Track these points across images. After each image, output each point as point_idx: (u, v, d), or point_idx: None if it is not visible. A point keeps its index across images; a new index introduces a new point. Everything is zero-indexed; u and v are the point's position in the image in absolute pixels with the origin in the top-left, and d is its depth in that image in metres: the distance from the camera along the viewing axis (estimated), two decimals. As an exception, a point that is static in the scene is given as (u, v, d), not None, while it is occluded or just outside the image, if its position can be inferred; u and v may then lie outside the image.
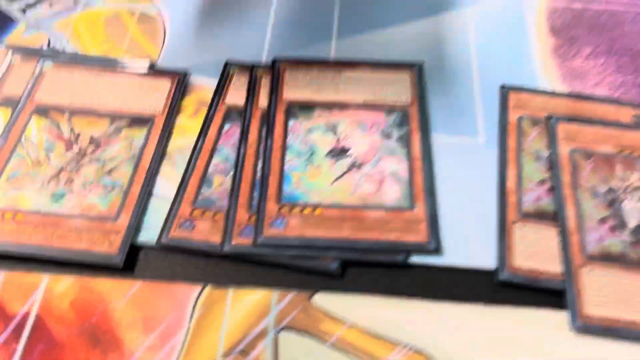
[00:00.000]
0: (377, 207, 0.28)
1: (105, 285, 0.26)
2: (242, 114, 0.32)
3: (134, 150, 0.31)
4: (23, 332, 0.25)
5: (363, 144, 0.31)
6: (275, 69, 0.34)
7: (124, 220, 0.28)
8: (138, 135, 0.31)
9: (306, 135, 0.31)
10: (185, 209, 0.28)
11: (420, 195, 0.29)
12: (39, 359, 0.24)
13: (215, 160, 0.30)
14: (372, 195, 0.29)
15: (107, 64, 0.34)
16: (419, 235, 0.28)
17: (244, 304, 0.26)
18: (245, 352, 0.25)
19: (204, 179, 0.29)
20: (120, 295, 0.26)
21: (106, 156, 0.30)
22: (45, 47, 0.35)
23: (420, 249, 0.27)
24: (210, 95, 0.33)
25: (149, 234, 0.28)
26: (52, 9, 0.37)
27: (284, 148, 0.31)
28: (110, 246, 0.27)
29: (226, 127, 0.32)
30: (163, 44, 0.36)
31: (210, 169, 0.30)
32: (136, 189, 0.29)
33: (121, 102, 0.32)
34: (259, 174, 0.30)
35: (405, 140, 0.31)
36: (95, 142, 0.31)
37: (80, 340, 0.25)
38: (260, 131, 0.31)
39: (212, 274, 0.27)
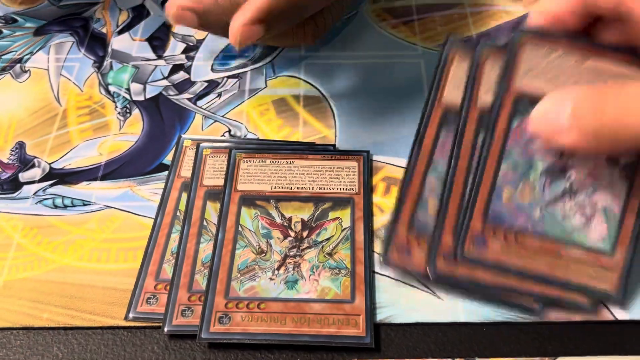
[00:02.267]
0: (576, 243, 0.29)
1: (362, 366, 0.28)
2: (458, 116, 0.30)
3: (345, 231, 0.33)
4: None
5: (582, 169, 0.29)
6: (512, 45, 0.29)
7: (360, 302, 0.30)
8: (344, 215, 0.33)
9: (529, 143, 0.30)
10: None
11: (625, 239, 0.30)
12: None
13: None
14: (577, 229, 0.30)
15: (295, 148, 0.36)
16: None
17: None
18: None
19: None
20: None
21: (322, 238, 0.32)
22: (227, 136, 0.38)
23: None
24: (396, 173, 0.35)
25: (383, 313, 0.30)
26: (220, 100, 0.40)
27: (500, 157, 0.29)
28: (356, 327, 0.29)
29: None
30: (335, 124, 0.38)
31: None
32: (360, 270, 0.31)
33: (318, 185, 0.35)
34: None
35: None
36: (308, 227, 0.33)
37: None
38: (475, 137, 0.30)
39: (456, 345, 0.29)
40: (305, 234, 0.33)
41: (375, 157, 0.36)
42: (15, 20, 0.45)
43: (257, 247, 0.32)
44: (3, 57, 0.43)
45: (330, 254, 0.32)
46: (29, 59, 0.43)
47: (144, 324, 0.30)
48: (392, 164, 0.36)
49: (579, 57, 0.29)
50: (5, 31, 0.45)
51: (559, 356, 0.28)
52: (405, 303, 0.30)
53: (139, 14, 0.46)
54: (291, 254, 0.32)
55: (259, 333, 0.29)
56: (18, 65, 0.42)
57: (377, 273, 0.31)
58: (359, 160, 0.36)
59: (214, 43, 0.44)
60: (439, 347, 0.29)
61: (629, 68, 0.28)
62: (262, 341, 0.28)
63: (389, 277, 0.31)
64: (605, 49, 0.29)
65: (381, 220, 0.34)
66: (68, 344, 0.29)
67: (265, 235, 0.33)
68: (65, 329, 0.30)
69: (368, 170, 0.35)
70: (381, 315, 0.30)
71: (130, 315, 0.30)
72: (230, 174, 0.35)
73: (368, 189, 0.35)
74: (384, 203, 0.34)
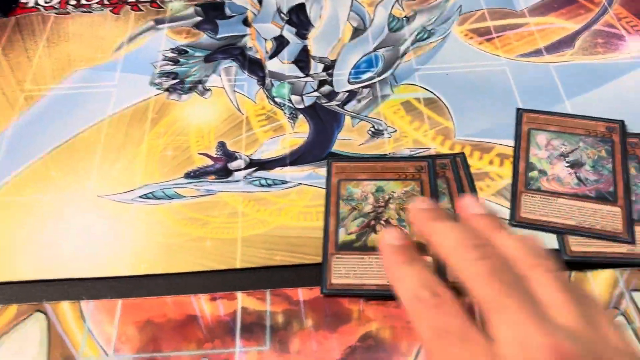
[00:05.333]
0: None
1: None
2: None
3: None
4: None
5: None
6: None
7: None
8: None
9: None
10: None
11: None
12: None
13: None
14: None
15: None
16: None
17: (601, 280, 0.41)
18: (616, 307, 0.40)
19: None
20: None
21: (462, 198, 0.45)
22: (371, 131, 0.51)
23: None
24: (506, 150, 0.48)
25: None
26: (360, 104, 0.53)
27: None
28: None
29: None
30: (452, 117, 0.51)
31: None
32: None
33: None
34: None
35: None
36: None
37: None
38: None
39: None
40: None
41: (486, 139, 0.49)
42: (186, 52, 0.59)
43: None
44: (186, 79, 0.56)
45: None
46: (207, 80, 0.56)
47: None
48: (500, 144, 0.49)
49: None
50: (182, 60, 0.58)
51: None
52: None
53: (281, 42, 0.59)
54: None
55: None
56: (200, 85, 0.55)
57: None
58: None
59: (345, 61, 0.57)
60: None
61: None
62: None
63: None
64: None
65: (501, 184, 0.46)
66: (296, 276, 0.42)
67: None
68: (293, 266, 0.43)
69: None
70: None
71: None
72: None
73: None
74: (501, 172, 0.47)
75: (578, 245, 0.42)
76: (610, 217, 0.43)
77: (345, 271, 0.41)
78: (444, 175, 0.46)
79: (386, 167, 0.46)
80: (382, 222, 0.43)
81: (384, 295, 0.40)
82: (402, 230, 0.41)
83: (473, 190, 0.46)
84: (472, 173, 0.47)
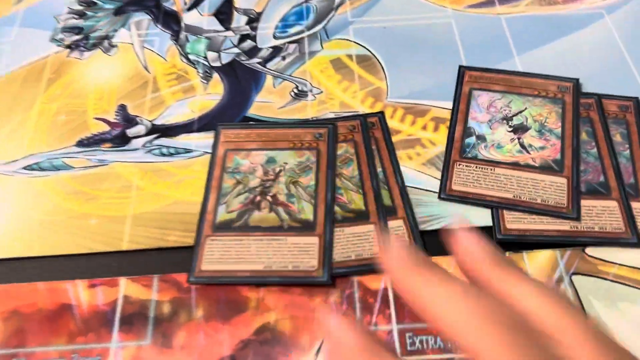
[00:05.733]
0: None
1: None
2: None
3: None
4: (389, 300, 0.34)
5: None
6: None
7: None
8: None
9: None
10: None
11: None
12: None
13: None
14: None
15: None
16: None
17: (539, 262, 0.35)
18: (553, 293, 0.34)
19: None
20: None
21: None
22: (294, 93, 0.45)
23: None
24: (442, 114, 0.42)
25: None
26: (285, 62, 0.47)
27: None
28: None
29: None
30: (385, 76, 0.45)
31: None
32: (423, 189, 0.38)
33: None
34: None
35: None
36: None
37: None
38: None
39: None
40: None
41: (422, 102, 0.43)
42: (95, 3, 0.52)
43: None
44: (91, 35, 0.49)
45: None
46: (113, 35, 0.49)
47: (255, 238, 0.37)
48: (437, 106, 0.43)
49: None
50: (88, 13, 0.51)
51: (588, 244, 0.36)
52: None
53: (203, -8, 0.52)
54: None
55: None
56: (106, 41, 0.49)
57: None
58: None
59: (272, 13, 0.50)
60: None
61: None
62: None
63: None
64: None
65: (434, 151, 0.41)
66: (190, 259, 0.37)
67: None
68: (188, 247, 0.37)
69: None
70: (443, 223, 0.37)
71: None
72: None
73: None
74: (435, 138, 0.41)
75: (514, 221, 0.37)
76: (553, 189, 0.38)
77: (219, 255, 0.35)
78: (352, 140, 0.40)
79: (281, 135, 0.40)
80: (269, 197, 0.38)
81: (257, 283, 0.35)
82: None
83: (392, 155, 0.40)
84: (402, 140, 0.41)
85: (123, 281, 0.36)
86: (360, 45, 0.48)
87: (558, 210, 0.37)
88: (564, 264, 0.35)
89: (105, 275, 0.36)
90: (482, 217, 0.37)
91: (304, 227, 0.36)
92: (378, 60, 0.46)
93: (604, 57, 0.45)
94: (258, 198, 0.38)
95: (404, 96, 0.44)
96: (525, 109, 0.42)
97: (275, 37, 0.49)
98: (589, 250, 0.36)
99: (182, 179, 0.40)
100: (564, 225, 0.36)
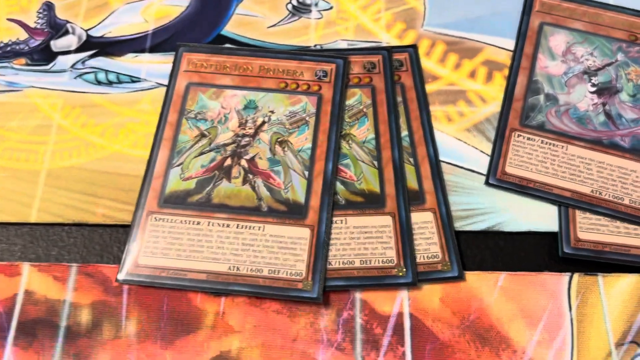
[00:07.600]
0: None
1: (470, 278, 0.25)
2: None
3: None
4: (404, 333, 0.24)
5: None
6: None
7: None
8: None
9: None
10: None
11: None
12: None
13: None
14: None
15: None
16: None
17: (619, 290, 0.25)
18: (637, 343, 0.24)
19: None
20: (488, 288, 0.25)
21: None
22: (292, 6, 0.32)
23: None
24: (500, 56, 0.30)
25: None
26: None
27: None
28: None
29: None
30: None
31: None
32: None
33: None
34: None
35: None
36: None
37: (466, 339, 0.24)
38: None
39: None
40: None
41: (473, 35, 0.31)
42: None
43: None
44: None
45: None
46: None
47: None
48: (493, 44, 0.31)
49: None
50: None
51: None
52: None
53: None
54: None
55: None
56: None
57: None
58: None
59: None
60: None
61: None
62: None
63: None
64: None
65: (483, 112, 0.29)
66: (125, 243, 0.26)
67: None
68: (124, 226, 0.26)
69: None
70: (489, 222, 0.26)
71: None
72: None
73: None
74: (487, 92, 0.29)
75: (590, 230, 0.26)
76: (650, 185, 0.26)
77: (165, 244, 0.25)
78: (370, 85, 0.28)
79: (268, 68, 0.28)
80: (244, 161, 0.26)
81: (217, 291, 0.24)
82: None
83: (425, 112, 0.28)
84: (440, 91, 0.29)
85: (27, 268, 0.25)
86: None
87: (655, 217, 0.26)
88: (656, 297, 0.25)
89: (2, 258, 0.25)
90: (545, 217, 0.26)
91: (291, 212, 0.25)
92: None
93: None
94: (228, 161, 0.26)
95: (447, 25, 0.31)
96: (616, 60, 0.29)
97: None
98: (692, 281, 0.25)
99: (122, 121, 0.28)
100: (661, 241, 0.26)
